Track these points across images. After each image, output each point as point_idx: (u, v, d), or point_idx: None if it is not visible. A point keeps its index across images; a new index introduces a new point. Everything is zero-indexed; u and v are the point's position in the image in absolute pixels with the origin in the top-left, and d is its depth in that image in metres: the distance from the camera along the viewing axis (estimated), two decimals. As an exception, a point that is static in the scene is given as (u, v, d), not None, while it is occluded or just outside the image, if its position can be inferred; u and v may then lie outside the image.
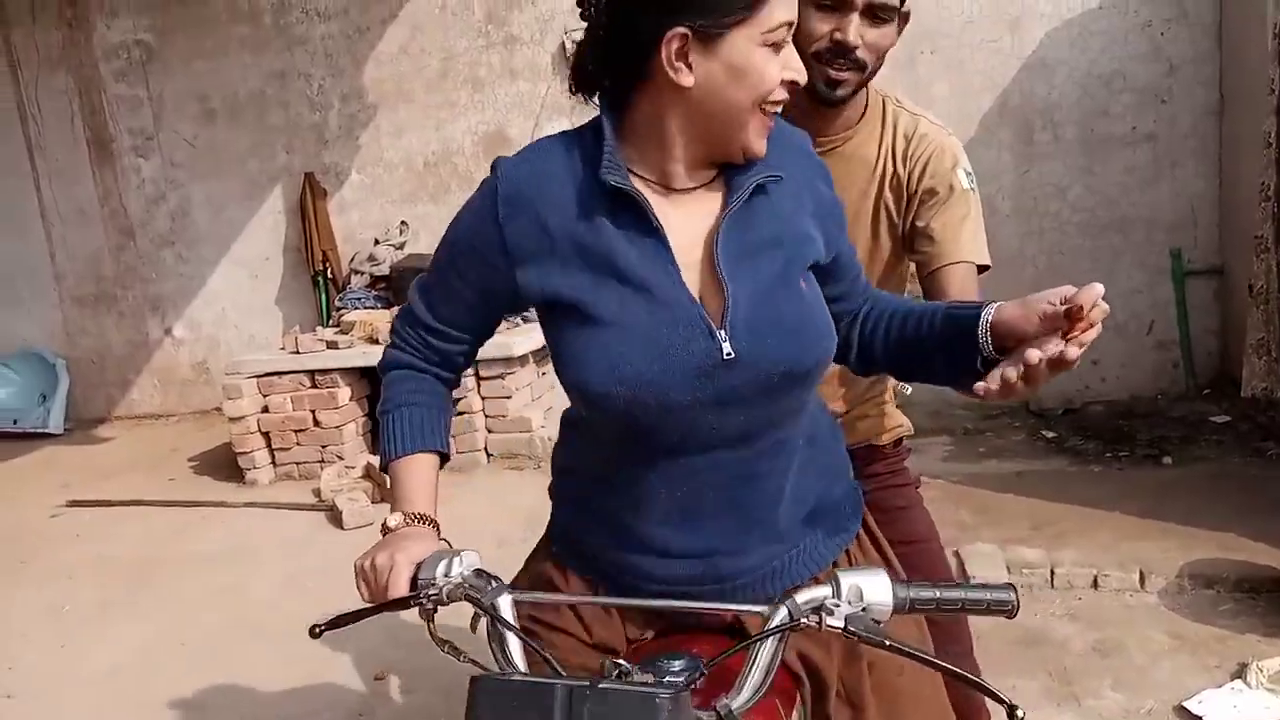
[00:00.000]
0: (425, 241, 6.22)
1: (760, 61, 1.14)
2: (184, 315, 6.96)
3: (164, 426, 6.96)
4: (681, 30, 1.12)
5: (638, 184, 1.22)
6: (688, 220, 1.23)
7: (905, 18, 1.61)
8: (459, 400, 4.89)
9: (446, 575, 1.14)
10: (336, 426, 5.23)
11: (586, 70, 1.23)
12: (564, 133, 1.29)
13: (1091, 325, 1.06)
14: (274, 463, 5.38)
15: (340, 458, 5.19)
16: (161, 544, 4.60)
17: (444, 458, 1.39)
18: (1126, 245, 5.32)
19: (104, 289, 7.07)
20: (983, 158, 5.35)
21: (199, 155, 6.68)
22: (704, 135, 1.20)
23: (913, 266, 1.77)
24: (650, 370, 1.18)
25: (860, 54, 1.56)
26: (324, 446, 5.26)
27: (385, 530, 1.27)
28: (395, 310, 5.53)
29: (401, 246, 6.19)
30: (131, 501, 5.22)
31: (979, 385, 1.11)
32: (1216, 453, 4.52)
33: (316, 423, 5.28)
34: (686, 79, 1.15)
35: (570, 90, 1.26)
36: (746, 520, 1.28)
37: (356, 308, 5.91)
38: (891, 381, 1.98)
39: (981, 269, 1.64)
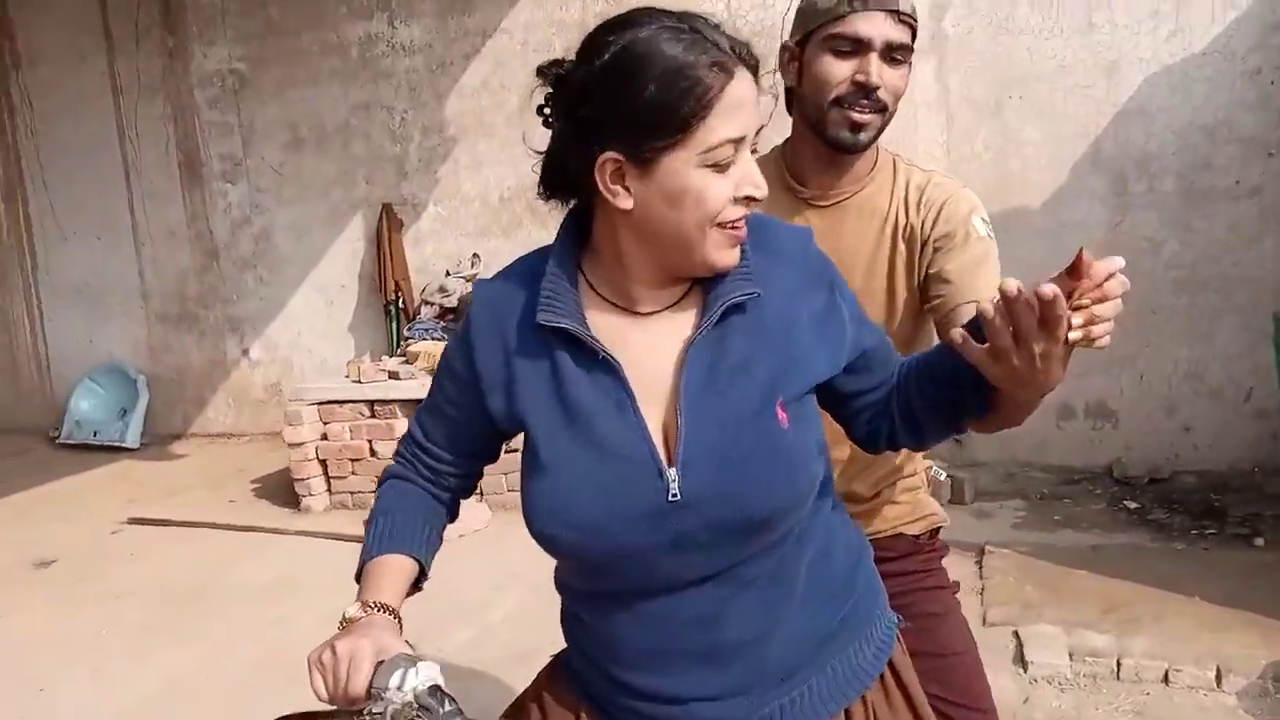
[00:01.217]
0: (495, 274, 6.19)
1: (699, 184, 1.06)
2: (261, 337, 7.08)
3: (235, 446, 7.06)
4: (612, 155, 1.07)
5: (597, 311, 1.17)
6: (655, 347, 1.16)
7: (911, 64, 1.60)
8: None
9: (399, 688, 1.02)
10: (391, 456, 5.19)
11: (549, 181, 1.18)
12: (547, 248, 1.23)
13: (1105, 297, 0.93)
14: (329, 490, 5.38)
15: (394, 490, 5.15)
16: (211, 569, 4.62)
17: (421, 572, 1.27)
18: (1226, 306, 4.97)
19: (187, 308, 7.24)
20: (1073, 208, 5.09)
21: (284, 182, 6.80)
22: (658, 256, 1.14)
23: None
24: (594, 513, 1.11)
25: (882, 94, 1.54)
26: (378, 478, 5.22)
27: (344, 622, 1.14)
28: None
29: (472, 278, 6.18)
30: (189, 523, 5.28)
31: (954, 330, 1.03)
32: (1316, 537, 4.16)
33: (373, 453, 5.27)
34: (625, 202, 1.09)
35: (540, 197, 1.19)
36: (724, 664, 1.15)
37: (424, 338, 5.90)
38: (922, 464, 1.81)
39: None
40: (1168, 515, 4.55)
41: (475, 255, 6.27)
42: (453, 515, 1.38)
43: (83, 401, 7.37)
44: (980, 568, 4.01)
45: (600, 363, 1.13)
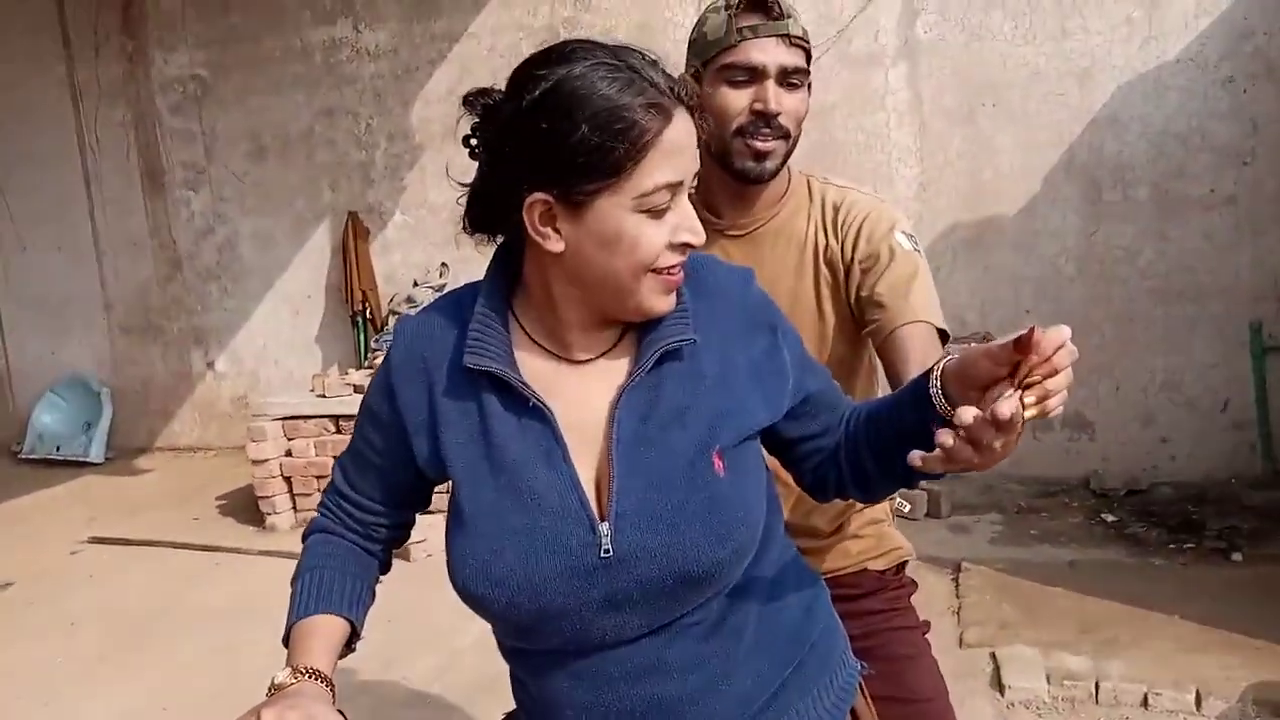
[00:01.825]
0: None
1: (633, 229, 1.01)
2: (226, 349, 6.94)
3: (201, 460, 6.92)
4: (541, 196, 1.01)
5: (527, 354, 1.11)
6: (587, 393, 1.10)
7: (810, 86, 1.57)
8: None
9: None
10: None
11: (474, 216, 1.13)
12: (478, 283, 1.17)
13: (1055, 371, 0.87)
14: (295, 508, 5.26)
15: (360, 507, 5.04)
16: (170, 592, 4.50)
17: (353, 632, 1.19)
18: (1202, 316, 4.93)
19: (151, 319, 7.09)
20: (1047, 217, 5.04)
21: (247, 191, 6.67)
22: (590, 299, 1.09)
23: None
24: (521, 570, 1.04)
25: (783, 120, 1.50)
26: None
27: (272, 689, 1.06)
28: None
29: (441, 289, 6.06)
30: (149, 542, 5.15)
31: (911, 455, 0.94)
32: (1294, 551, 4.11)
33: (339, 470, 5.14)
34: (555, 245, 1.03)
35: (465, 232, 1.13)
36: None
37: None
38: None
39: (942, 336, 1.48)
40: (1145, 528, 4.49)
41: (444, 265, 6.15)
42: (385, 567, 1.30)
43: (45, 415, 7.21)
44: (957, 585, 3.95)
45: (530, 409, 1.07)
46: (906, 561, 1.72)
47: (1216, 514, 4.57)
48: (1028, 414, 0.87)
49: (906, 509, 1.80)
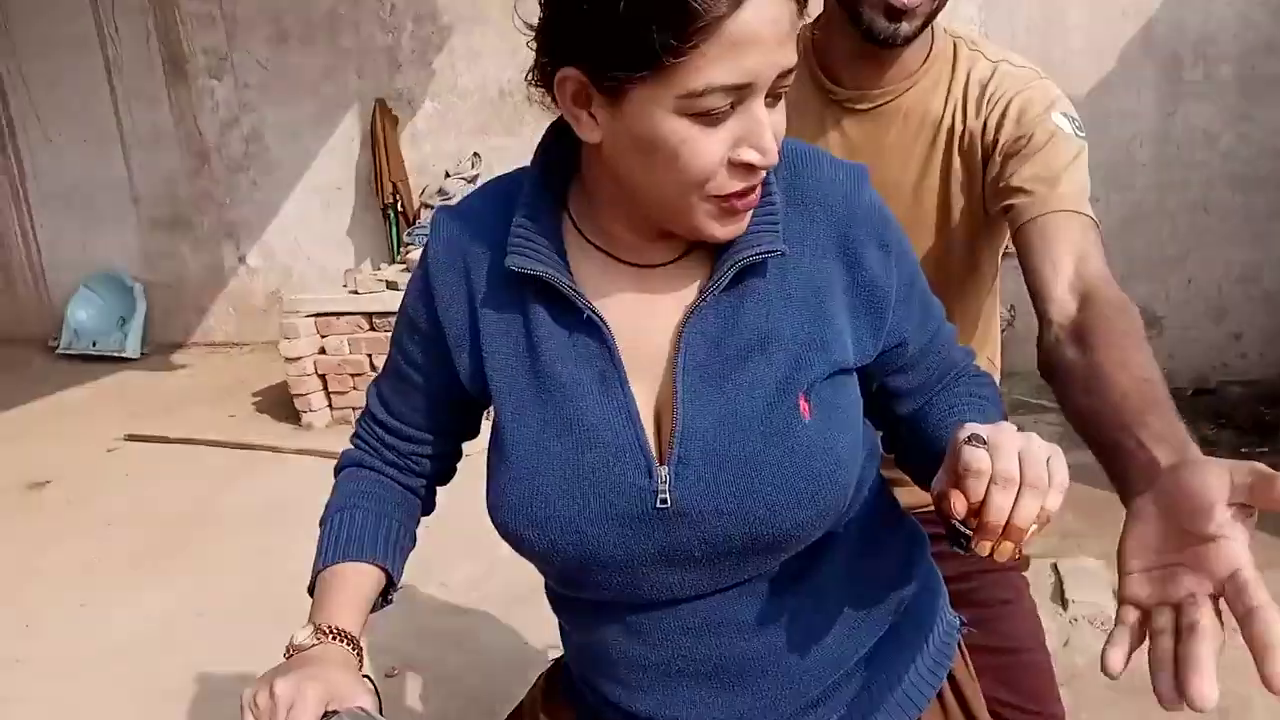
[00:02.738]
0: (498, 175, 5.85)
1: (674, 136, 0.79)
2: (258, 242, 6.79)
3: (237, 355, 6.86)
4: (572, 71, 0.81)
5: (582, 257, 0.93)
6: (653, 308, 0.93)
7: None
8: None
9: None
10: (391, 355, 4.97)
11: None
12: (520, 171, 0.99)
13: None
14: (330, 406, 5.17)
15: (395, 406, 4.95)
16: (206, 492, 4.44)
17: (389, 582, 1.04)
18: (1286, 204, 4.60)
19: (180, 213, 6.94)
20: (1121, 98, 4.68)
21: (271, 78, 6.41)
22: (642, 209, 0.89)
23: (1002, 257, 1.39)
24: (568, 511, 0.89)
25: None
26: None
27: (291, 650, 0.93)
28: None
29: (474, 180, 5.83)
30: (185, 440, 5.10)
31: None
32: (1377, 454, 3.89)
33: (373, 367, 5.02)
34: (592, 134, 0.84)
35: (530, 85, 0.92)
36: (738, 684, 0.95)
37: (423, 244, 5.60)
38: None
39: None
40: (1214, 431, 4.28)
41: (476, 155, 5.91)
42: (428, 506, 1.15)
43: (80, 310, 7.16)
44: (1014, 491, 3.78)
45: (584, 322, 0.91)
46: None
47: (1290, 415, 4.35)
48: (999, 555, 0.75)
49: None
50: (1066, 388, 1.01)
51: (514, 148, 5.85)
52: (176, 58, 6.61)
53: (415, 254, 5.29)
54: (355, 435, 1.13)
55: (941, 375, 1.03)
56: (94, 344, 7.00)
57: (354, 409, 5.11)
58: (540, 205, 0.93)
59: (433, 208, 5.82)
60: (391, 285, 5.06)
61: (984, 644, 1.22)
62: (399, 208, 6.09)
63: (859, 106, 1.33)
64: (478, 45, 5.82)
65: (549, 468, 0.90)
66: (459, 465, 1.16)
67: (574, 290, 0.89)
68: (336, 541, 1.03)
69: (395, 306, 4.45)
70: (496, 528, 0.94)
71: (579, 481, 0.89)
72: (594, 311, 0.90)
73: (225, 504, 4.30)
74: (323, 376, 5.14)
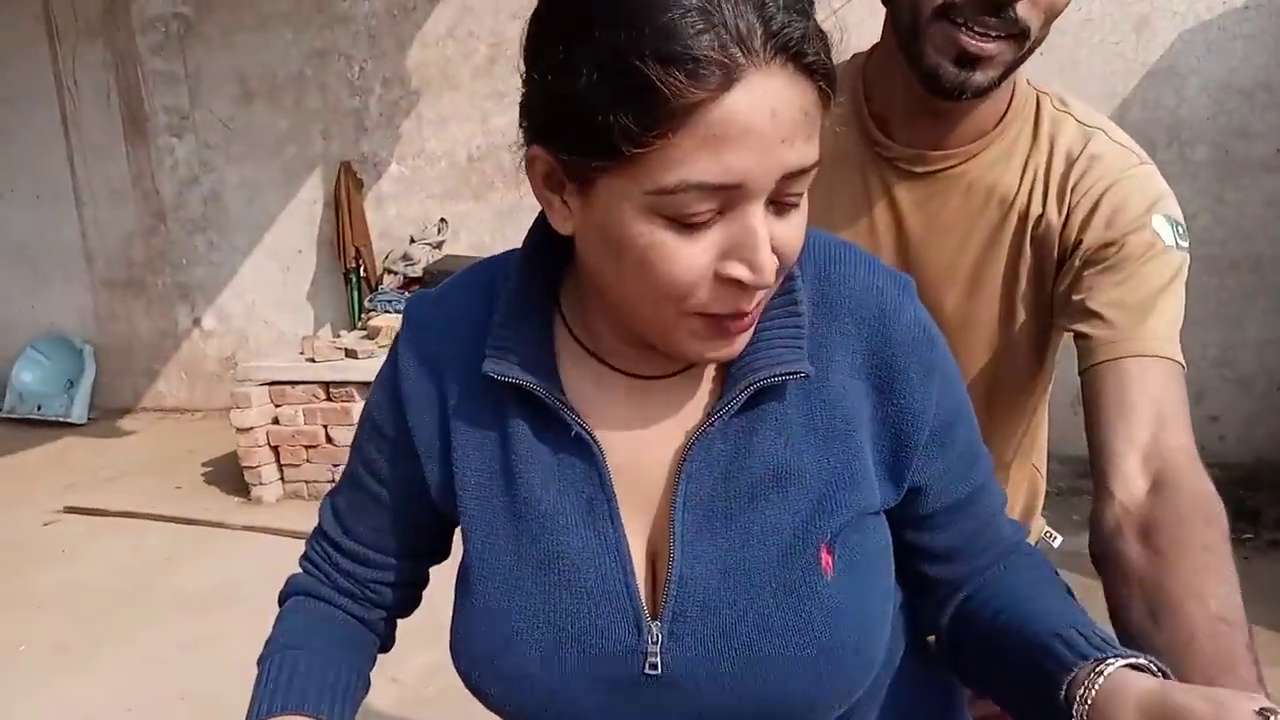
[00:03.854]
0: (465, 242, 5.74)
1: (643, 238, 0.65)
2: (214, 305, 6.60)
3: (187, 422, 6.62)
4: (540, 151, 0.69)
5: (572, 363, 0.80)
6: (653, 427, 0.79)
7: None
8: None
9: None
10: (348, 444, 4.75)
11: None
12: (508, 255, 0.86)
13: None
14: (282, 479, 4.95)
15: (351, 480, 4.74)
16: (145, 571, 4.20)
17: None
18: (1261, 287, 4.57)
19: (134, 274, 6.74)
20: (1094, 177, 4.66)
21: (234, 137, 6.28)
22: (622, 317, 0.75)
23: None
24: (542, 670, 0.76)
25: (1023, 11, 0.95)
26: (335, 465, 4.79)
27: None
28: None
29: (439, 246, 5.72)
30: (126, 513, 4.85)
31: None
32: (1361, 544, 3.80)
33: (329, 439, 4.83)
34: (565, 224, 0.72)
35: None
36: None
37: (386, 310, 5.44)
38: (1038, 526, 1.38)
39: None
40: (1196, 516, 4.18)
41: (443, 220, 5.79)
42: (386, 643, 0.99)
43: (25, 373, 6.90)
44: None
45: (572, 440, 0.78)
46: None
47: (1272, 501, 4.26)
48: None
49: (1057, 542, 1.39)
50: (1123, 594, 0.86)
51: (481, 214, 5.74)
52: (136, 115, 6.46)
53: (378, 320, 5.15)
54: (305, 557, 0.98)
55: (983, 546, 0.87)
56: (39, 408, 6.74)
57: (306, 483, 4.90)
58: (526, 299, 0.80)
59: (396, 273, 5.68)
60: (351, 353, 4.88)
61: None
62: (361, 273, 5.94)
63: (914, 169, 1.11)
64: (447, 111, 5.73)
65: (521, 611, 0.77)
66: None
67: (560, 402, 0.77)
68: (276, 688, 0.87)
69: (353, 376, 4.22)
70: (458, 673, 0.81)
71: (556, 632, 0.76)
72: (584, 428, 0.77)
73: (165, 585, 4.06)
74: (275, 448, 4.93)
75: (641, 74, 0.60)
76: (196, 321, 6.67)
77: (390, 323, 5.08)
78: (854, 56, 1.17)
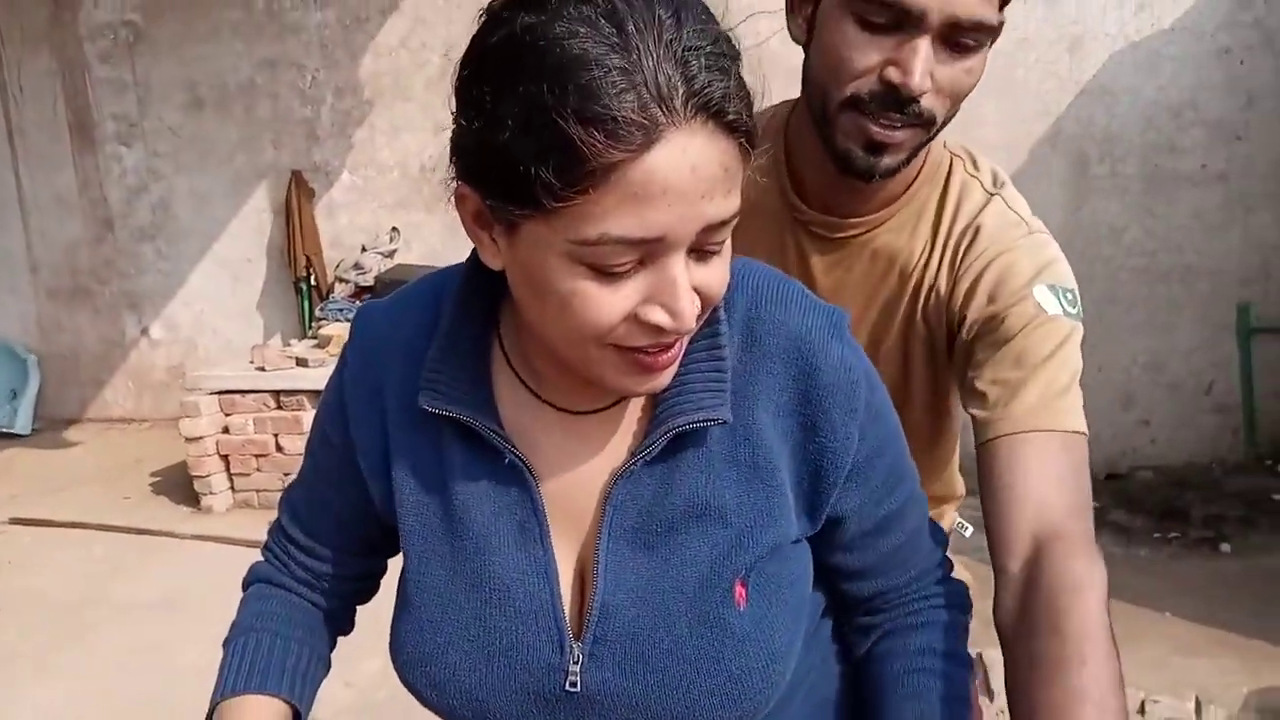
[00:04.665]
0: (417, 252, 5.76)
1: (565, 284, 0.67)
2: (162, 315, 6.53)
3: (135, 432, 6.54)
4: (469, 191, 0.71)
5: (509, 390, 0.83)
6: (584, 456, 0.83)
7: (998, 31, 0.99)
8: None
9: None
10: (299, 454, 4.73)
11: None
12: (457, 271, 0.87)
13: None
14: (233, 488, 4.93)
15: (303, 488, 4.74)
16: (96, 581, 4.17)
17: (296, 716, 0.95)
18: (1188, 297, 4.76)
19: (80, 282, 6.65)
20: (1032, 191, 4.68)
21: (183, 146, 6.23)
22: (553, 351, 0.77)
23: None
24: (469, 680, 0.81)
25: (928, 103, 0.97)
26: (285, 474, 4.79)
27: None
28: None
29: (391, 255, 5.73)
30: (74, 524, 4.79)
31: None
32: (1284, 541, 3.97)
33: (279, 448, 4.82)
34: (494, 260, 0.74)
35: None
36: None
37: (337, 319, 5.45)
38: (950, 517, 1.43)
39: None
40: (1129, 516, 4.35)
41: (394, 230, 5.81)
42: (344, 627, 1.04)
43: (-34, 383, 6.77)
44: (937, 579, 3.76)
45: (506, 466, 0.81)
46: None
47: (1200, 501, 4.44)
48: None
49: (968, 532, 1.45)
50: (1006, 662, 0.91)
51: (433, 224, 5.76)
52: (84, 123, 6.40)
53: (329, 329, 5.15)
54: (265, 547, 1.03)
55: (898, 564, 0.91)
56: (-20, 418, 6.62)
57: (257, 492, 4.89)
58: (462, 332, 0.82)
59: (348, 282, 5.69)
60: (302, 362, 4.89)
61: None
62: (312, 281, 5.93)
63: (826, 234, 1.14)
64: (400, 121, 5.75)
65: (453, 625, 0.82)
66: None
67: (495, 433, 0.80)
68: (239, 670, 0.93)
69: (304, 384, 4.25)
70: (395, 671, 0.86)
71: (484, 647, 0.81)
72: (517, 456, 0.80)
73: (116, 594, 4.03)
74: (225, 457, 4.91)
75: (563, 132, 0.61)
76: (144, 331, 6.60)
77: (341, 331, 5.09)
78: (779, 107, 1.20)
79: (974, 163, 1.14)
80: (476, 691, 0.81)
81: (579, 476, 0.82)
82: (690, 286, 0.69)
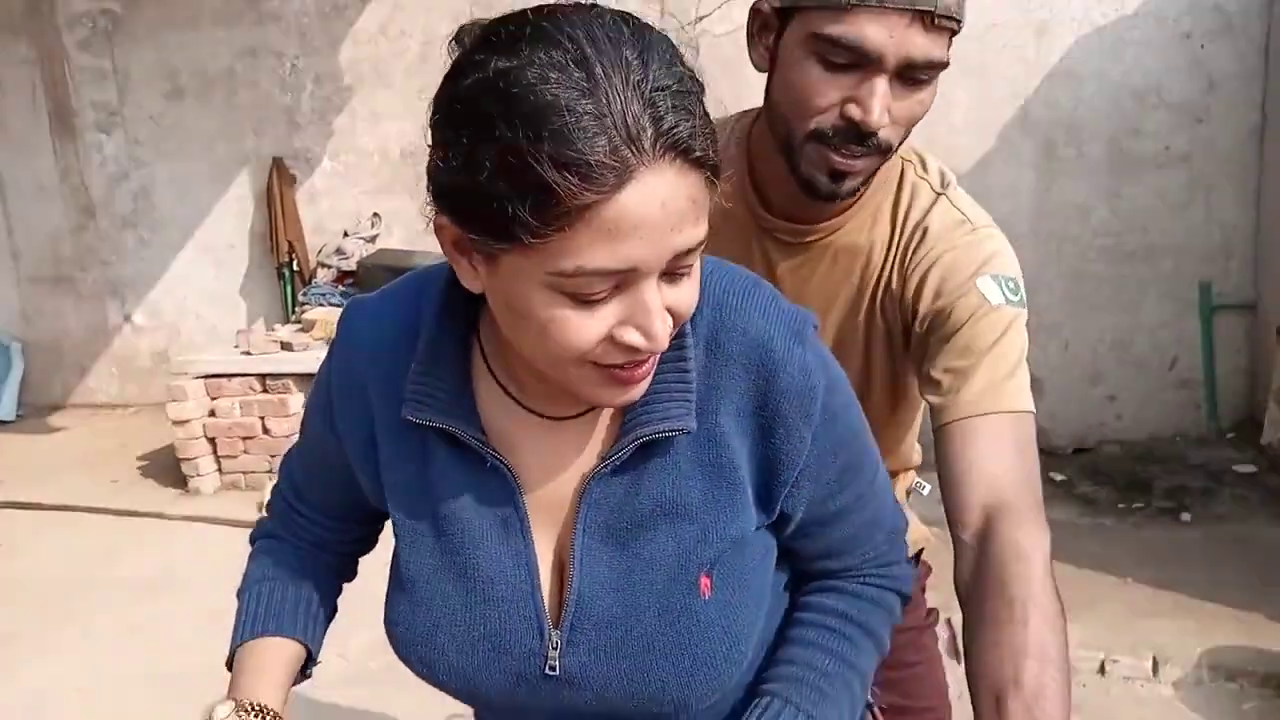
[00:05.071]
0: (398, 236, 5.82)
1: (544, 310, 0.72)
2: (145, 301, 6.57)
3: (120, 418, 6.59)
4: (447, 222, 0.73)
5: (489, 394, 0.87)
6: (563, 457, 0.88)
7: (946, 65, 1.08)
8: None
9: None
10: (286, 436, 4.83)
11: None
12: (439, 275, 0.89)
13: None
14: (220, 470, 5.01)
15: (290, 470, 4.81)
16: (87, 562, 4.24)
17: (308, 656, 1.02)
18: (1153, 275, 4.89)
19: (62, 270, 6.68)
20: (1002, 173, 4.93)
21: (164, 134, 6.27)
22: (531, 364, 0.81)
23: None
24: (458, 661, 0.88)
25: (885, 134, 1.06)
26: (272, 456, 4.86)
27: None
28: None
29: (372, 240, 5.80)
30: (63, 506, 4.86)
31: None
32: (1241, 511, 4.12)
33: (265, 430, 4.90)
34: (474, 283, 0.77)
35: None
36: None
37: (320, 304, 5.51)
38: (906, 478, 1.51)
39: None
40: (1095, 488, 4.48)
41: (375, 215, 5.87)
42: (349, 574, 1.13)
43: (-51, 370, 6.79)
44: (908, 550, 3.89)
45: (488, 469, 0.86)
46: (922, 550, 1.51)
47: (1164, 473, 4.58)
48: None
49: (925, 490, 1.55)
50: (963, 624, 1.01)
51: (413, 209, 5.75)
52: (64, 111, 6.42)
53: (312, 314, 5.22)
54: (269, 504, 1.11)
55: (851, 549, 0.97)
56: (-37, 406, 6.65)
57: (244, 474, 4.97)
58: (443, 343, 0.86)
59: (330, 267, 5.75)
60: (287, 346, 4.96)
61: (895, 704, 1.26)
62: (294, 267, 5.99)
63: (788, 240, 1.22)
64: (380, 107, 5.81)
65: (440, 611, 0.88)
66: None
67: (478, 440, 0.85)
68: (254, 615, 1.01)
69: (290, 368, 4.34)
70: (390, 644, 0.93)
71: (469, 632, 0.87)
72: (500, 459, 0.85)
73: (106, 574, 4.11)
74: (212, 440, 4.99)
75: (539, 176, 0.65)
76: (127, 317, 6.64)
77: (325, 315, 5.15)
78: (740, 118, 1.27)
79: (923, 165, 1.22)
80: (464, 671, 0.88)
81: (556, 477, 0.87)
82: (662, 307, 0.73)
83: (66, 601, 3.85)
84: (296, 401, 4.85)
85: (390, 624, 0.91)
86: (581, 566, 0.86)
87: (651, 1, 5.10)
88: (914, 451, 1.49)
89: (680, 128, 0.67)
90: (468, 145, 0.68)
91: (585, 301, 0.71)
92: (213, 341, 6.09)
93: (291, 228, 5.94)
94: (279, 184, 5.93)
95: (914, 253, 1.16)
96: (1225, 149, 4.73)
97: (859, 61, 1.02)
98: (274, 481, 1.12)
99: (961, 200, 1.19)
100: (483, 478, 0.87)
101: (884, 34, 1.01)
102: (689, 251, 0.72)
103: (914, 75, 1.05)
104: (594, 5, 0.72)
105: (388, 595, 0.93)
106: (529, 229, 0.67)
